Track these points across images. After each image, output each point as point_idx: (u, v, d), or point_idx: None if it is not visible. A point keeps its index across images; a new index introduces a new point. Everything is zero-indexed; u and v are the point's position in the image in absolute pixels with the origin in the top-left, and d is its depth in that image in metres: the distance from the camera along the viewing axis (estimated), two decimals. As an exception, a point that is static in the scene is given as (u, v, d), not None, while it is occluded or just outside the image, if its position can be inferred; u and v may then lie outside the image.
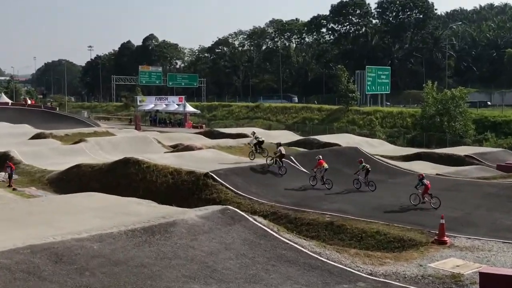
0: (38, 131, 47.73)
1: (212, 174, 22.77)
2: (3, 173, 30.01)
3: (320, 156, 24.08)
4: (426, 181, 19.67)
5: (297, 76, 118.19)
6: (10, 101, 77.41)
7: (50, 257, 10.46)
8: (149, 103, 76.04)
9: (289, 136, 50.04)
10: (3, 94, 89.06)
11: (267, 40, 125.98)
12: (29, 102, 76.28)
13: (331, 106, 74.66)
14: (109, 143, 39.14)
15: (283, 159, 25.21)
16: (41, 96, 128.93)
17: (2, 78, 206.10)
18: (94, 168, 27.45)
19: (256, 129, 48.44)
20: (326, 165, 23.19)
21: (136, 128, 61.31)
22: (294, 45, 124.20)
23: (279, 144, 26.48)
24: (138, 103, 69.76)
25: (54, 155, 36.10)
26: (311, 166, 24.54)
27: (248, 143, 28.17)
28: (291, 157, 26.63)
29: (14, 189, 25.12)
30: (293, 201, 20.90)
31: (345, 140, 43.05)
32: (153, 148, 40.08)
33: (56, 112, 69.70)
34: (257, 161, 27.19)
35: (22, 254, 10.31)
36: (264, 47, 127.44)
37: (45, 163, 32.76)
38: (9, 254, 10.21)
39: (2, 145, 37.98)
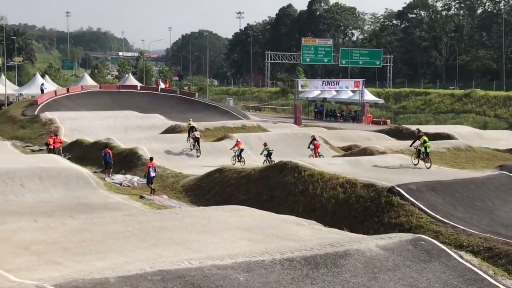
0: (173, 123, 51.15)
1: (400, 190, 22.46)
2: (128, 176, 32.69)
3: (238, 139, 38.31)
4: (316, 142, 37.43)
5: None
6: (139, 84, 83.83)
7: (184, 288, 11.09)
8: (314, 89, 77.19)
9: (514, 139, 47.60)
10: (130, 75, 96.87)
11: (484, 0, 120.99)
12: (162, 85, 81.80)
13: None
14: (261, 142, 40.45)
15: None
16: (177, 79, 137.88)
17: (130, 54, 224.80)
18: (241, 174, 28.61)
19: (460, 128, 46.70)
20: (242, 146, 36.57)
21: (295, 122, 62.73)
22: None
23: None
24: (300, 89, 71.13)
25: (191, 155, 38.35)
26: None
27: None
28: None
29: (141, 197, 27.14)
30: (519, 233, 19.80)
31: None
32: (318, 150, 40.69)
33: (195, 99, 73.92)
34: (466, 172, 26.20)
35: (151, 282, 11.04)
36: (479, 11, 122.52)
37: (179, 165, 35.00)
38: (135, 280, 10.99)
39: (129, 140, 41.32)
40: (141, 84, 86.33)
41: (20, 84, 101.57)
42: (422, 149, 28.84)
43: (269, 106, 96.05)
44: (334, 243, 14.16)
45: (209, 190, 28.58)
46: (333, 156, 36.80)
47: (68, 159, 36.17)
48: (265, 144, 37.05)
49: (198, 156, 38.42)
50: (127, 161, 35.48)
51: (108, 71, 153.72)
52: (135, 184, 31.26)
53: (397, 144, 38.89)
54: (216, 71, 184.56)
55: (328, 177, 25.10)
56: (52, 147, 39.51)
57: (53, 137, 40.52)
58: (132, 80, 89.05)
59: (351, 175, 25.19)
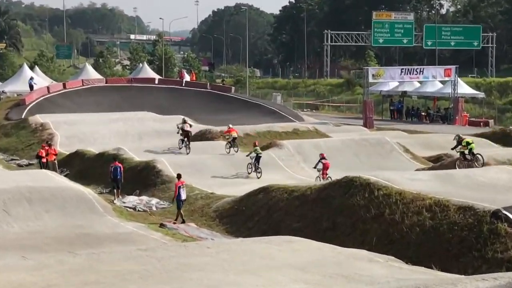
0: (202, 127, 51.41)
1: (508, 214, 22.12)
2: (144, 198, 32.87)
3: (230, 125, 43.04)
4: (324, 161, 35.91)
5: None
6: (157, 76, 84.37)
7: None
8: (390, 80, 76.74)
9: None
10: (146, 65, 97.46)
11: None
12: (187, 77, 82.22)
13: None
14: (319, 151, 40.35)
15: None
16: (207, 69, 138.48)
17: (145, 37, 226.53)
18: (293, 195, 28.52)
19: None
20: (235, 134, 41.37)
21: (365, 125, 62.44)
22: None
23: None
24: (371, 80, 70.78)
25: (227, 169, 38.44)
26: None
27: None
28: None
29: (161, 226, 27.26)
30: None
31: None
32: (395, 161, 40.47)
33: (231, 95, 74.11)
34: None
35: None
36: None
37: (211, 183, 35.04)
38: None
39: (144, 150, 41.51)
40: (160, 77, 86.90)
41: (3, 78, 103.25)
42: (466, 151, 34.34)
43: (330, 104, 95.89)
44: (420, 286, 14.05)
45: (251, 215, 28.59)
46: (417, 170, 36.54)
47: (65, 176, 36.59)
48: (254, 144, 38.55)
49: (187, 153, 42.43)
50: (143, 178, 35.73)
51: (117, 60, 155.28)
52: (154, 208, 31.45)
53: (504, 153, 38.47)
54: (259, 58, 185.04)
55: (410, 197, 24.88)
56: (45, 160, 40.01)
57: (46, 148, 41.01)
58: (148, 71, 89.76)
59: (441, 194, 24.94)
